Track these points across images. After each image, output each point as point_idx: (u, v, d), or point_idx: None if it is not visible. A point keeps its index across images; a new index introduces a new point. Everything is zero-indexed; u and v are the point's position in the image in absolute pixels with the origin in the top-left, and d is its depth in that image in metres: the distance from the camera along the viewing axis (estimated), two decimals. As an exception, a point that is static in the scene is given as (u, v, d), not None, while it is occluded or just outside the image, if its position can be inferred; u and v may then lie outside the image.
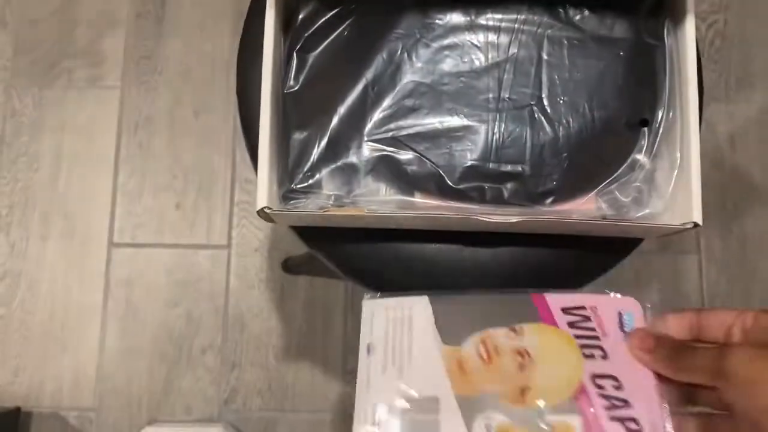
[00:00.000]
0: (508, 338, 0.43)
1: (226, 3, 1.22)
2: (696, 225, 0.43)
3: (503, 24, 0.47)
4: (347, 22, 0.48)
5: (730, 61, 1.21)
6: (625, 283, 1.14)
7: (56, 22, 1.21)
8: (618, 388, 0.41)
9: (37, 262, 1.13)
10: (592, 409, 0.40)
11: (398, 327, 0.44)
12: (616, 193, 0.46)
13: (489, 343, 0.43)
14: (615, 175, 0.46)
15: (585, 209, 0.46)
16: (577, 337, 0.43)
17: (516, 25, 0.47)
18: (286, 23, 0.48)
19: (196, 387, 1.11)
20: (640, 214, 0.46)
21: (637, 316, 0.43)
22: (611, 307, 0.44)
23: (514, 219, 0.43)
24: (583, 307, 0.43)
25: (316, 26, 0.48)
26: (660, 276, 1.16)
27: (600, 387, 0.41)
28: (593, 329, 0.43)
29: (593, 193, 0.46)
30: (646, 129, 0.46)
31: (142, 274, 1.14)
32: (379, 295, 0.45)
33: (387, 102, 0.47)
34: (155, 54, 1.21)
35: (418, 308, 0.44)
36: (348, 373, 1.11)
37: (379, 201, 0.46)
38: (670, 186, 0.45)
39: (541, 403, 0.41)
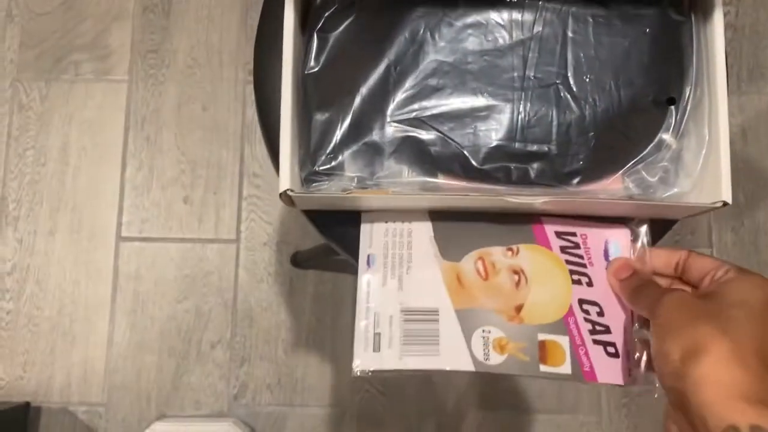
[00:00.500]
0: (504, 256, 0.45)
1: (234, -4, 1.22)
2: (725, 204, 0.42)
3: (527, 1, 0.46)
4: (368, 1, 0.47)
5: (741, 52, 1.20)
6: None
7: (63, 15, 1.20)
8: (600, 314, 0.45)
9: (45, 256, 1.13)
10: (578, 331, 0.44)
11: (398, 239, 0.46)
12: (643, 173, 0.45)
13: (486, 260, 0.45)
14: (642, 154, 0.45)
15: (612, 190, 0.45)
16: (567, 262, 0.46)
17: (540, 3, 0.46)
18: (306, 3, 0.48)
19: (206, 382, 1.10)
20: (667, 194, 0.45)
21: (623, 246, 0.46)
22: (601, 236, 0.46)
23: (541, 200, 0.42)
24: (574, 234, 0.46)
25: (336, 5, 0.47)
26: (672, 268, 1.15)
27: (585, 312, 0.44)
28: (581, 257, 0.46)
29: (620, 173, 0.45)
30: (673, 107, 0.46)
31: (150, 268, 1.13)
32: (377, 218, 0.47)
33: (410, 82, 0.46)
34: (162, 47, 1.20)
35: (418, 223, 0.46)
36: (358, 368, 1.10)
37: (403, 183, 0.46)
38: (698, 164, 0.44)
39: (534, 322, 0.44)
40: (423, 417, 1.09)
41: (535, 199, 0.42)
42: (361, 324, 0.44)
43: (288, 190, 0.42)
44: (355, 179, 0.45)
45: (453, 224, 0.46)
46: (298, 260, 1.12)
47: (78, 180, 1.15)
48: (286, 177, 0.42)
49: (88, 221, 1.14)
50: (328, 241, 0.54)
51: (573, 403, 1.10)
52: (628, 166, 0.45)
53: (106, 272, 1.13)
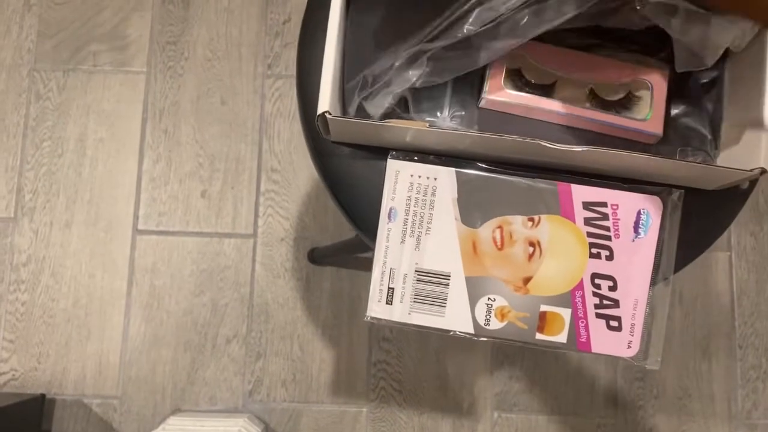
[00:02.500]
0: (523, 227, 0.46)
1: (255, -12, 1.21)
2: (764, 171, 0.42)
3: None
4: None
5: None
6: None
7: (81, 5, 1.19)
8: (612, 288, 0.45)
9: (60, 248, 1.12)
10: (583, 305, 0.45)
11: (421, 196, 0.46)
12: None
13: (505, 230, 0.46)
14: None
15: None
16: (590, 235, 0.46)
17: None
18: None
19: (221, 377, 1.09)
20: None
21: (654, 216, 0.46)
22: (633, 206, 0.46)
23: (578, 149, 0.42)
24: (604, 204, 0.46)
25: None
26: (690, 271, 1.14)
27: (596, 286, 0.45)
28: (607, 229, 0.46)
29: None
30: None
31: (166, 261, 1.12)
32: (405, 156, 0.47)
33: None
34: (181, 39, 1.19)
35: (443, 180, 0.46)
36: (373, 365, 1.10)
37: (443, 119, 0.46)
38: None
39: (539, 293, 0.45)
40: (438, 416, 1.09)
41: (571, 148, 0.42)
42: (377, 277, 0.46)
43: (326, 112, 0.42)
44: (395, 112, 0.45)
45: (479, 184, 0.46)
46: (315, 257, 1.11)
47: (95, 172, 1.14)
48: (326, 99, 0.42)
49: (105, 213, 1.13)
50: (358, 231, 0.52)
51: (589, 405, 1.10)
52: None
53: (122, 265, 1.12)
